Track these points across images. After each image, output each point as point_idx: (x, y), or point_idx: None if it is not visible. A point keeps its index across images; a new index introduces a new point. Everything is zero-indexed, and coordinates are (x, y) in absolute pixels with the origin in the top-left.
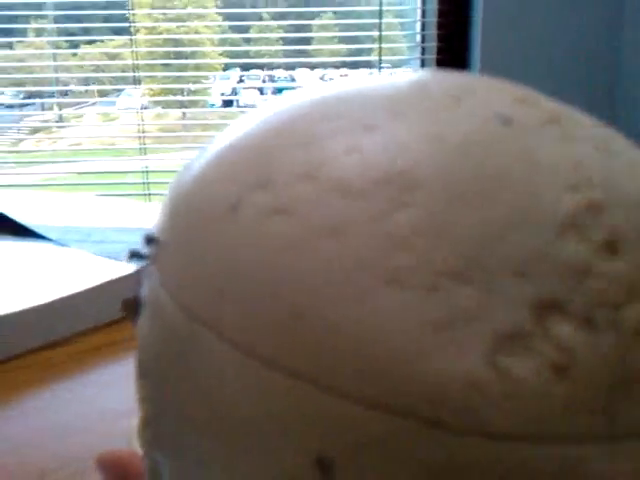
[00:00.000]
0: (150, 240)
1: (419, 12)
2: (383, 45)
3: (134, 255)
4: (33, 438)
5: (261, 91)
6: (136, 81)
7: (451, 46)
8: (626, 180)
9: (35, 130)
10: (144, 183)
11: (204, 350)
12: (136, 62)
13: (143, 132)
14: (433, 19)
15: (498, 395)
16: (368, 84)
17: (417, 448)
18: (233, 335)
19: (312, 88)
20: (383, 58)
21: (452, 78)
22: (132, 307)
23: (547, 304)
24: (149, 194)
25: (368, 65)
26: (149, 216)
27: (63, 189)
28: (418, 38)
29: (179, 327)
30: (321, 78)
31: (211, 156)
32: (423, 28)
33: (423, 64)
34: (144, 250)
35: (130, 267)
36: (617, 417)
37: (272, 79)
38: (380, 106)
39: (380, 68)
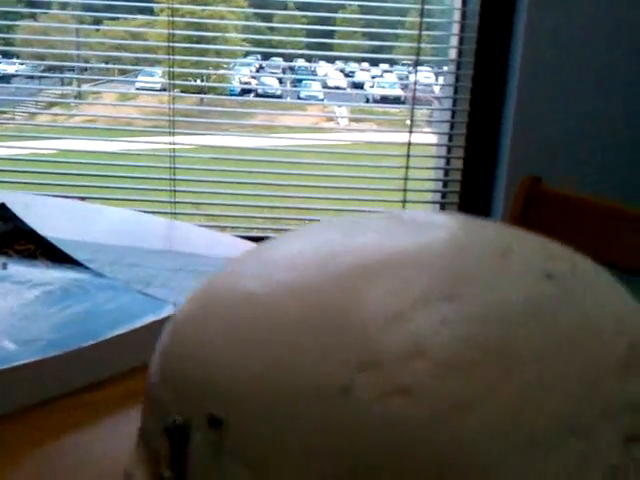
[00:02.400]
0: (215, 421)
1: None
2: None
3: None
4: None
5: (280, 80)
6: (170, 63)
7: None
8: None
9: (52, 104)
10: (170, 157)
11: None
12: (172, 44)
13: (173, 112)
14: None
15: None
16: (414, 246)
17: None
18: None
19: (352, 248)
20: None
21: (486, 234)
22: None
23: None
24: (175, 169)
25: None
26: (179, 237)
27: (87, 167)
28: (456, 19)
29: None
30: (341, 71)
31: (285, 331)
32: (463, 20)
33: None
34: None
35: (170, 309)
36: None
37: (292, 69)
38: (446, 273)
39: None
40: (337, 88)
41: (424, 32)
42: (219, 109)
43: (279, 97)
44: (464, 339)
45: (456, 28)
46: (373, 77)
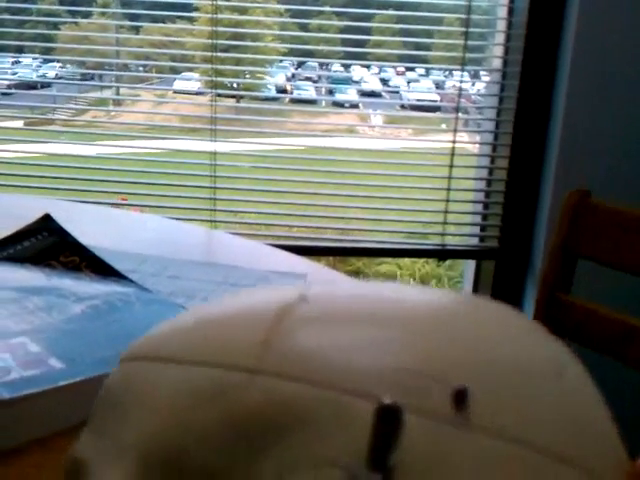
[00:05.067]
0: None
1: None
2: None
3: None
4: None
5: (315, 82)
6: (212, 72)
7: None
8: None
9: (98, 104)
10: (211, 165)
11: None
12: (215, 53)
13: (215, 120)
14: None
15: None
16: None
17: None
18: None
19: None
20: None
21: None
22: None
23: None
24: (215, 177)
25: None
26: (220, 248)
27: (133, 164)
28: (501, 41)
29: None
30: (377, 75)
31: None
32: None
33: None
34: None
35: None
36: None
37: (328, 70)
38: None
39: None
40: (372, 93)
41: (469, 42)
42: (261, 117)
43: (313, 102)
44: None
45: (502, 37)
46: (409, 82)
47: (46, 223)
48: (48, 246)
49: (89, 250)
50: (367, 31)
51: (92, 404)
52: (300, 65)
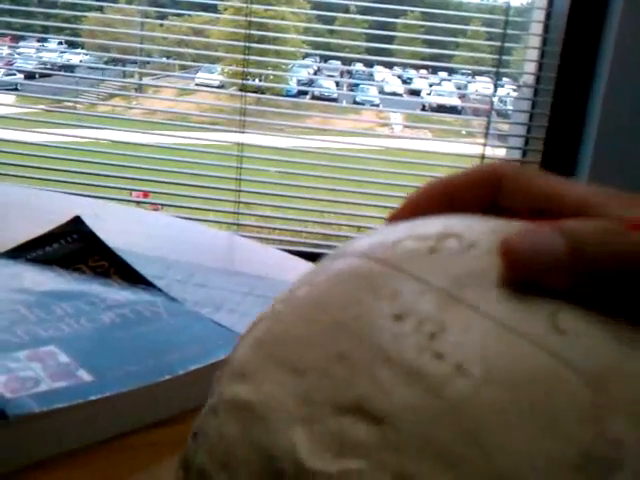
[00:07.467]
0: None
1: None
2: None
3: None
4: None
5: (337, 83)
6: (245, 62)
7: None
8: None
9: (113, 96)
10: (237, 168)
11: None
12: (248, 44)
13: (245, 106)
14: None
15: None
16: None
17: None
18: None
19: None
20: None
21: None
22: None
23: None
24: (240, 180)
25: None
26: (245, 255)
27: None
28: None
29: None
30: (399, 77)
31: None
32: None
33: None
34: None
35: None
36: None
37: (350, 73)
38: None
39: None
40: (393, 94)
41: (506, 44)
42: (289, 110)
43: (335, 100)
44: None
45: (537, 41)
46: (431, 85)
47: (76, 226)
48: (77, 249)
49: (118, 255)
50: (393, 31)
51: (118, 420)
52: (325, 61)
